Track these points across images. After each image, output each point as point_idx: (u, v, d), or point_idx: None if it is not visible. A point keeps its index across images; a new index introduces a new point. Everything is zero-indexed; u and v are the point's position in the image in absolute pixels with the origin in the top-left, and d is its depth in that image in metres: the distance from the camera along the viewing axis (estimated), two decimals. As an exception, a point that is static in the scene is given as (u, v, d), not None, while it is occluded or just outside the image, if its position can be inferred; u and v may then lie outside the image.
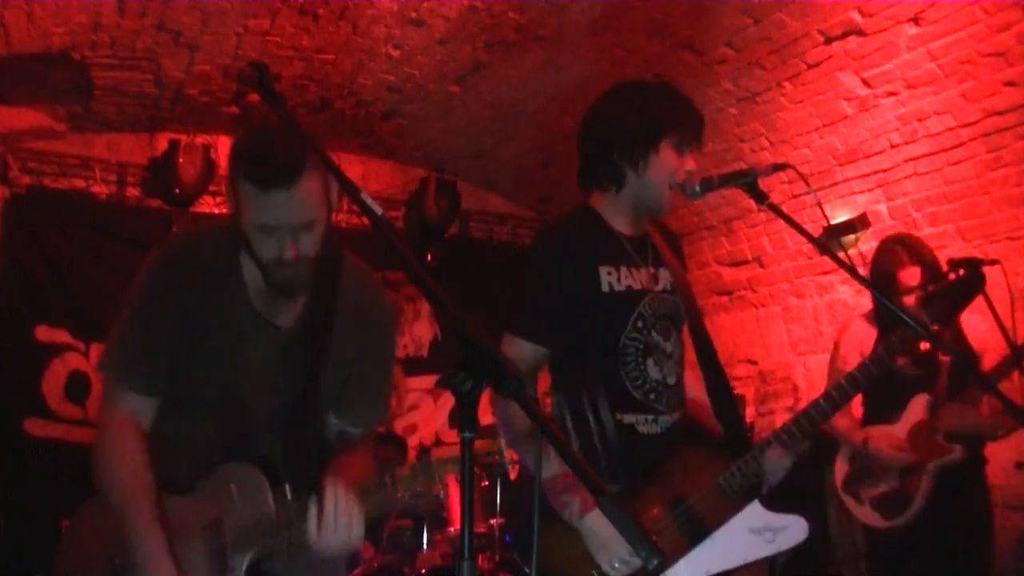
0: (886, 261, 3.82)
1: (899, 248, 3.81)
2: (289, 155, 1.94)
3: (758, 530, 2.36)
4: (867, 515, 3.85)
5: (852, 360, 3.70)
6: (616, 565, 2.20)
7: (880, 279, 3.77)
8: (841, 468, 4.00)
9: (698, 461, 2.40)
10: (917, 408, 3.81)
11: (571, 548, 2.25)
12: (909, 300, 3.66)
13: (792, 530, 2.38)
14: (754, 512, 2.38)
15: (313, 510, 1.95)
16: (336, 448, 2.26)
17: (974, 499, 3.80)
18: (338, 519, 1.94)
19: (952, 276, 2.75)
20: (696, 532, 2.33)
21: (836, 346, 4.06)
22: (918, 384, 3.82)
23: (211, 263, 2.16)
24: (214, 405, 2.13)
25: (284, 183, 1.94)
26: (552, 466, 2.29)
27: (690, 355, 2.67)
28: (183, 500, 2.09)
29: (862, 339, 3.89)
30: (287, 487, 2.03)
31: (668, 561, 2.28)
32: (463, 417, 1.41)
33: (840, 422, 3.88)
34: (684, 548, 2.30)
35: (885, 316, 3.75)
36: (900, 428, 3.83)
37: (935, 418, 3.75)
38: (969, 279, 2.71)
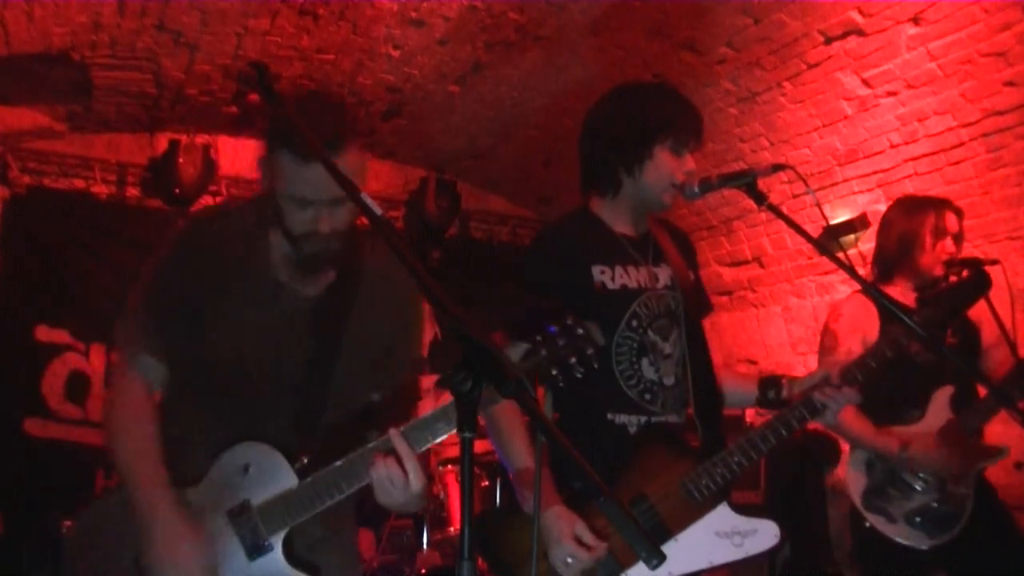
0: (919, 207, 3.44)
1: (927, 198, 3.53)
2: (332, 129, 1.98)
3: (725, 533, 2.33)
4: (904, 534, 3.19)
5: (856, 347, 3.15)
6: (568, 561, 2.20)
7: (916, 222, 3.37)
8: (856, 480, 3.31)
9: (665, 461, 2.37)
10: (942, 403, 3.28)
11: (527, 541, 2.24)
12: (944, 246, 3.32)
13: (761, 535, 2.34)
14: (721, 515, 2.35)
15: (373, 471, 1.97)
16: (370, 417, 2.28)
17: (999, 500, 3.37)
18: (394, 479, 1.95)
19: (953, 278, 2.59)
20: (657, 533, 2.30)
21: (831, 334, 3.41)
22: (936, 374, 3.28)
23: (232, 235, 2.18)
24: (231, 377, 2.13)
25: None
26: (523, 459, 2.31)
27: (717, 356, 2.66)
28: (198, 489, 2.09)
29: (863, 320, 3.31)
30: (304, 459, 2.07)
31: (624, 562, 2.27)
32: (463, 417, 1.41)
33: (857, 424, 3.29)
34: None
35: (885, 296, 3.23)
36: (928, 428, 3.27)
37: (967, 415, 3.24)
38: (972, 282, 2.53)
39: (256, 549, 2.04)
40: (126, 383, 2.16)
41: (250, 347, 2.14)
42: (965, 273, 2.53)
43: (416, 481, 1.96)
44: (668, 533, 2.31)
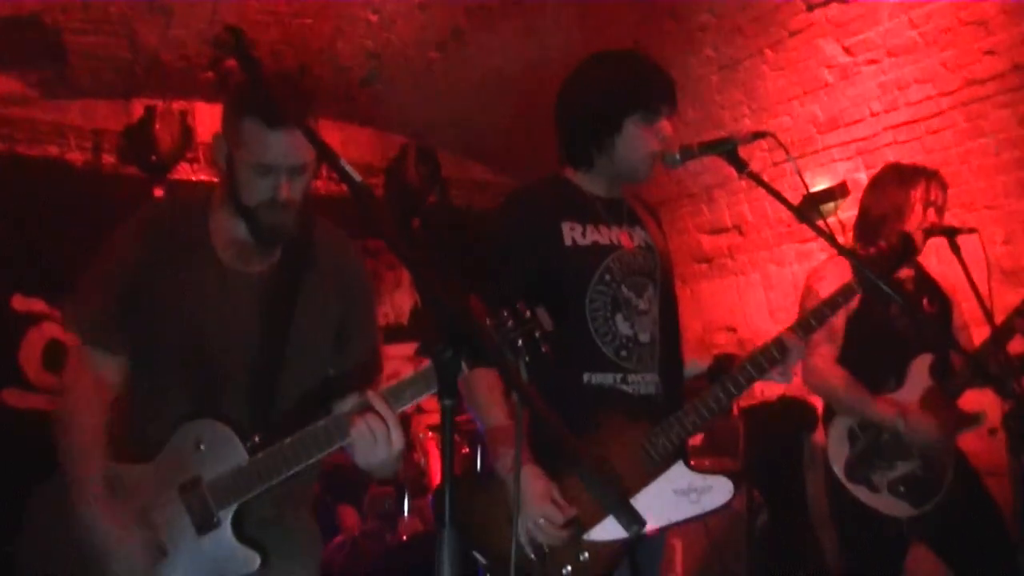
0: (912, 176, 3.44)
1: (919, 167, 3.52)
2: (295, 98, 2.06)
3: (683, 491, 2.35)
4: (888, 505, 3.20)
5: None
6: (540, 522, 2.20)
7: (908, 191, 3.40)
8: (838, 451, 3.30)
9: (625, 423, 2.38)
10: (921, 371, 3.31)
11: (496, 509, 2.26)
12: (929, 215, 3.37)
13: (716, 491, 2.37)
14: (678, 473, 2.37)
15: (353, 429, 1.99)
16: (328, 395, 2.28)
17: (971, 467, 3.39)
18: (376, 434, 1.97)
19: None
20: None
21: (813, 293, 3.32)
22: (913, 343, 3.33)
23: (172, 224, 2.23)
24: (183, 360, 2.16)
25: (289, 123, 2.01)
26: (496, 417, 2.32)
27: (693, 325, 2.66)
28: (150, 467, 2.11)
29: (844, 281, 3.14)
30: (256, 437, 2.08)
31: (587, 524, 2.28)
32: (443, 385, 1.41)
33: (854, 391, 3.31)
34: (603, 511, 2.27)
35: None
36: (908, 396, 3.30)
37: (949, 381, 3.27)
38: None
39: (205, 525, 2.06)
40: (78, 375, 2.18)
41: (201, 329, 2.16)
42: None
43: (398, 437, 1.98)
44: (628, 494, 2.32)
